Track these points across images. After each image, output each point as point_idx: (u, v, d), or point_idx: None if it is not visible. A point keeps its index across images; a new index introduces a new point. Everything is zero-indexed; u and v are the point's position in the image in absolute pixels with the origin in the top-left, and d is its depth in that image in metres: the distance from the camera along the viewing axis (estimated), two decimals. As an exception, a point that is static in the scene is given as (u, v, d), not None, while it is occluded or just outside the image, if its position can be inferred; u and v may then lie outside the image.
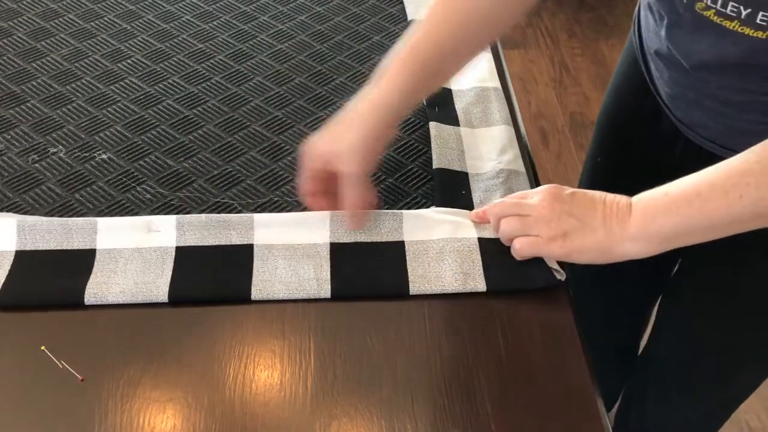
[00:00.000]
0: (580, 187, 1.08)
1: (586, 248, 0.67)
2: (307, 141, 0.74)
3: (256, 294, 0.69)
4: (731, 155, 0.76)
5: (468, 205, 0.78)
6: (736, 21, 0.63)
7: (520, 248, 0.69)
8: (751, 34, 0.63)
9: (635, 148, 0.93)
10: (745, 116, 0.72)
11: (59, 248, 0.71)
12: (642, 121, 0.89)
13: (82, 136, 0.85)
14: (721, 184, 0.61)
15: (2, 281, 0.69)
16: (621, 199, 0.67)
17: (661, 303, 1.04)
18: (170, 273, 0.70)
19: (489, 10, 0.74)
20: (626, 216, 0.65)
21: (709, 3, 0.65)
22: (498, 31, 0.81)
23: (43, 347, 0.64)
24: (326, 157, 0.72)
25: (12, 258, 0.70)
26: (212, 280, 0.70)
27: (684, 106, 0.79)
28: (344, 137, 0.71)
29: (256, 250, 0.72)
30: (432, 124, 0.87)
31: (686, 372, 1.02)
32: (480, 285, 0.70)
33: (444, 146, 0.84)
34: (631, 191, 1.00)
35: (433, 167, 0.82)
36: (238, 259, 0.71)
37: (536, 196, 0.70)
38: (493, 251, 0.72)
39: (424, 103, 0.92)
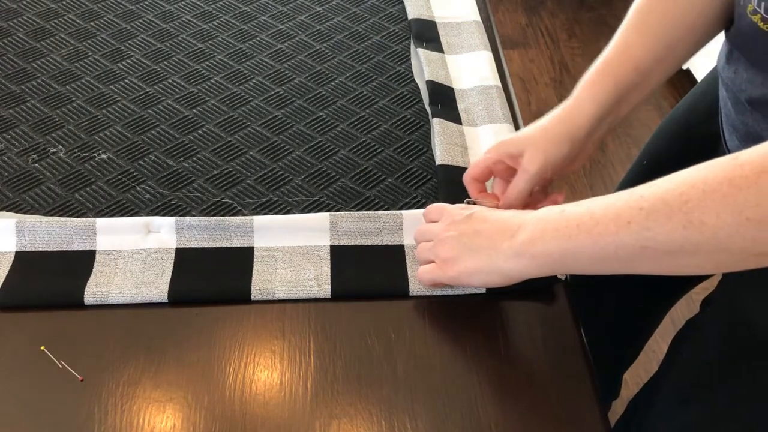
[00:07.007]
0: (620, 185, 1.04)
1: (471, 270, 0.63)
2: (501, 138, 0.75)
3: (256, 294, 0.69)
4: None
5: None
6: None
7: (420, 276, 0.68)
8: None
9: (681, 164, 0.89)
10: None
11: (59, 249, 0.71)
12: (700, 143, 0.84)
13: (82, 136, 0.85)
14: (615, 207, 0.54)
15: (2, 281, 0.69)
16: (524, 216, 0.61)
17: (680, 332, 0.96)
18: (170, 274, 0.70)
19: (695, 20, 0.71)
20: (516, 233, 0.60)
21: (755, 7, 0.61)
22: (704, 40, 0.75)
23: (43, 347, 0.64)
24: (509, 152, 0.72)
25: (12, 259, 0.70)
26: (212, 280, 0.70)
27: (735, 139, 0.74)
28: (532, 137, 0.72)
29: (256, 252, 0.72)
30: (435, 120, 0.87)
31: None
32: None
33: (448, 142, 0.84)
34: None
35: (437, 164, 0.82)
36: (238, 259, 0.71)
37: (441, 216, 0.68)
38: None
39: (426, 102, 0.92)
